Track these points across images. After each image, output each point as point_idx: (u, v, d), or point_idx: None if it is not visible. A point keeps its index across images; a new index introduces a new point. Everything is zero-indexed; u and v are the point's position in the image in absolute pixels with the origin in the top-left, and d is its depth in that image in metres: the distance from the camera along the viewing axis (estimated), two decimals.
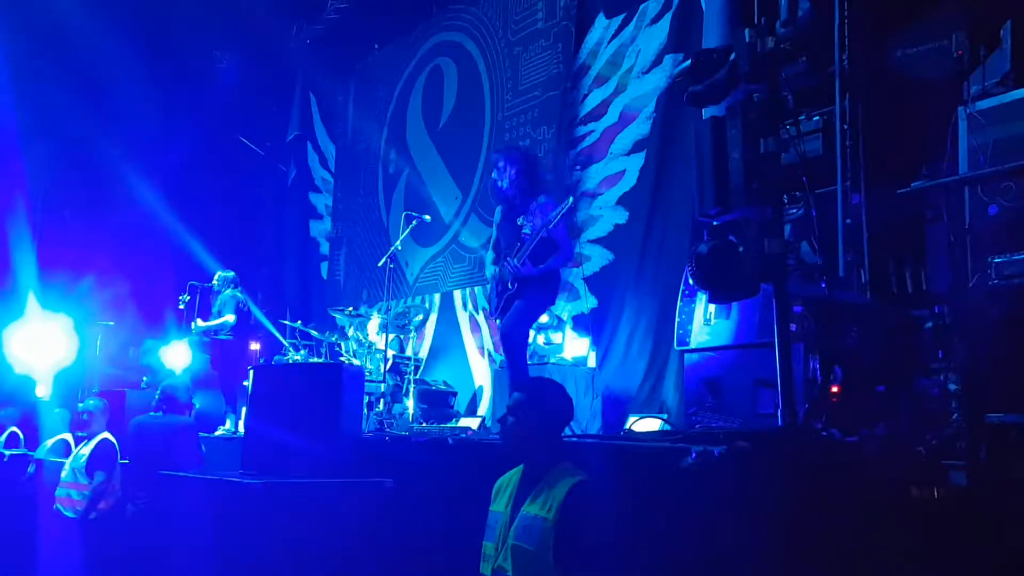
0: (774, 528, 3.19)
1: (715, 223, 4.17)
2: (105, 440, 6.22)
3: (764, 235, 3.98)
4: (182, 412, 6.44)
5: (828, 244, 5.21)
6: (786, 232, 5.63)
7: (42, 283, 9.99)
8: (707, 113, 4.49)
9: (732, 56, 4.05)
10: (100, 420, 6.34)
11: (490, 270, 5.73)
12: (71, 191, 11.01)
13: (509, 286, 5.46)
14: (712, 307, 5.29)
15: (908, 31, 4.94)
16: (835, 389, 4.53)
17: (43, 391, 9.51)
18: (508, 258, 5.46)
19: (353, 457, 4.88)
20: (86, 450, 6.17)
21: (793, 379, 3.95)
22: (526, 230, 5.37)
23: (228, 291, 9.06)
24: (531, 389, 3.30)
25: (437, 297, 10.48)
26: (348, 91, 12.82)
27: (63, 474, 6.17)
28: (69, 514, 5.97)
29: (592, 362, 7.85)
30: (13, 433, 8.67)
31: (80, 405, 6.66)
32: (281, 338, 9.86)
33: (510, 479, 3.22)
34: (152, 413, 6.43)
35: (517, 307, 5.41)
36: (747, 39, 4.02)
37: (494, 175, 5.60)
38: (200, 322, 9.09)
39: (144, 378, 9.81)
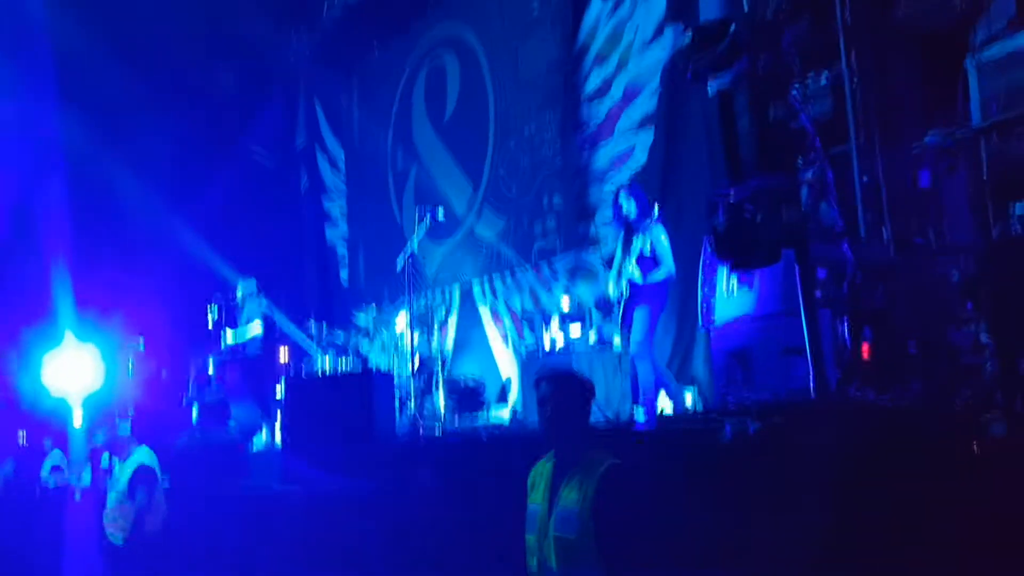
0: (815, 499, 3.18)
1: (731, 198, 4.14)
2: (142, 464, 6.27)
3: (781, 203, 3.94)
4: (220, 427, 6.51)
5: (847, 205, 5.15)
6: (803, 195, 5.61)
7: (76, 313, 10.13)
8: (713, 87, 4.45)
9: (732, 27, 4.00)
10: (127, 442, 6.37)
11: (615, 291, 6.10)
12: (97, 221, 11.13)
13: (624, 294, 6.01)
14: (734, 279, 5.27)
15: None
16: (865, 349, 4.50)
17: (78, 419, 9.63)
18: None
19: (389, 460, 4.91)
20: (125, 474, 6.22)
21: (822, 346, 3.92)
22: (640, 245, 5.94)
23: (251, 303, 9.13)
24: (555, 377, 3.29)
25: (457, 292, 10.49)
26: (352, 93, 12.83)
27: (108, 501, 6.23)
28: (118, 540, 6.02)
29: (617, 344, 7.83)
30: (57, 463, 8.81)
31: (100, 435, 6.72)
32: (308, 343, 9.90)
33: (542, 470, 3.23)
34: (195, 432, 6.50)
35: (636, 319, 5.88)
36: (745, 8, 3.98)
37: (622, 204, 6.11)
38: (230, 334, 9.15)
39: (184, 396, 9.91)
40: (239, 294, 9.27)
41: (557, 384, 3.23)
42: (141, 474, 6.15)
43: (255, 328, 8.93)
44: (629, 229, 6.04)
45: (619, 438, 3.64)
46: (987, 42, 4.19)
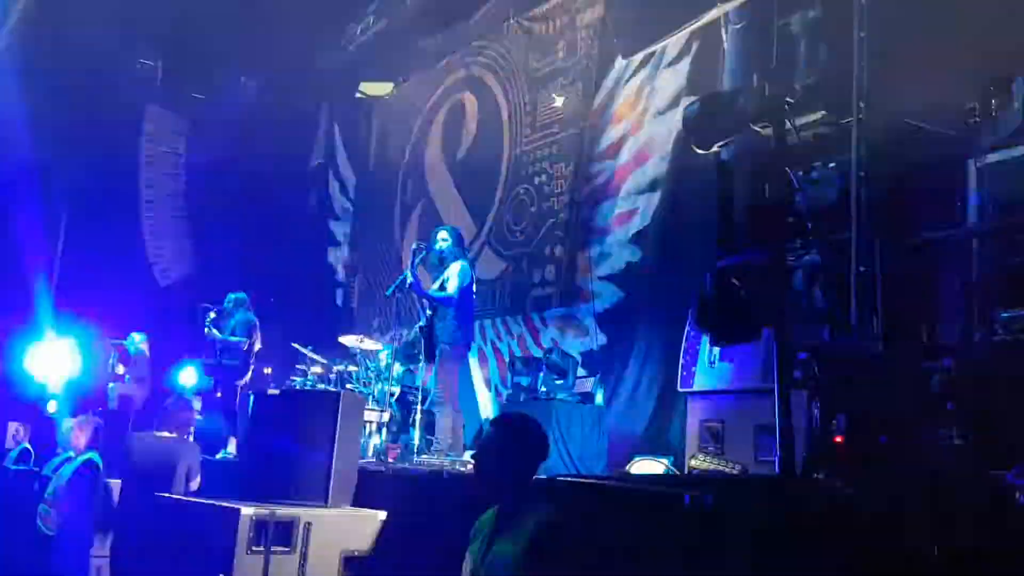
0: None
1: (719, 265, 4.15)
2: (88, 460, 6.18)
3: (767, 280, 3.95)
4: (184, 433, 6.42)
5: (839, 291, 5.15)
6: (799, 277, 5.61)
7: (57, 305, 10.18)
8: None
9: (740, 100, 4.05)
10: (81, 437, 6.29)
11: None
12: (92, 209, 11.17)
13: None
14: (716, 349, 5.25)
15: (921, 82, 4.92)
16: (839, 439, 4.45)
17: (53, 407, 9.60)
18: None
19: (348, 486, 4.85)
20: (69, 469, 6.15)
21: (793, 426, 3.88)
22: None
23: (240, 313, 9.09)
24: (504, 424, 3.16)
25: None
26: (371, 121, 12.97)
27: (48, 491, 6.15)
28: (48, 531, 5.94)
29: (599, 399, 7.77)
30: (25, 449, 8.71)
31: (69, 422, 6.66)
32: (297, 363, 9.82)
33: (486, 520, 3.14)
34: (156, 432, 6.41)
35: None
36: (755, 83, 4.03)
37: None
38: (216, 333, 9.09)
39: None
40: (227, 307, 9.22)
41: (502, 431, 3.10)
42: (85, 472, 6.09)
43: (243, 340, 8.88)
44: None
45: (569, 492, 3.58)
46: (991, 148, 4.21)
